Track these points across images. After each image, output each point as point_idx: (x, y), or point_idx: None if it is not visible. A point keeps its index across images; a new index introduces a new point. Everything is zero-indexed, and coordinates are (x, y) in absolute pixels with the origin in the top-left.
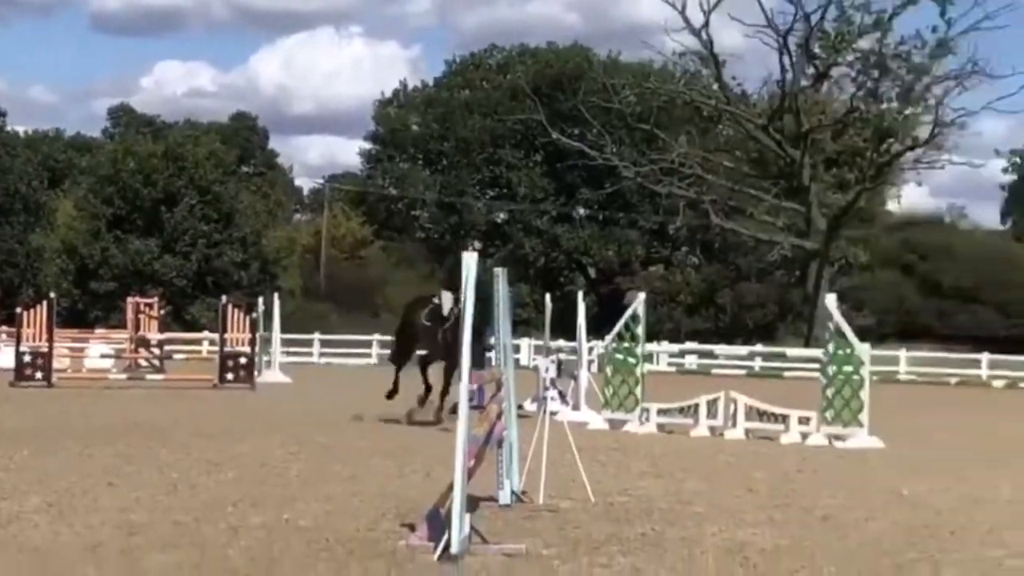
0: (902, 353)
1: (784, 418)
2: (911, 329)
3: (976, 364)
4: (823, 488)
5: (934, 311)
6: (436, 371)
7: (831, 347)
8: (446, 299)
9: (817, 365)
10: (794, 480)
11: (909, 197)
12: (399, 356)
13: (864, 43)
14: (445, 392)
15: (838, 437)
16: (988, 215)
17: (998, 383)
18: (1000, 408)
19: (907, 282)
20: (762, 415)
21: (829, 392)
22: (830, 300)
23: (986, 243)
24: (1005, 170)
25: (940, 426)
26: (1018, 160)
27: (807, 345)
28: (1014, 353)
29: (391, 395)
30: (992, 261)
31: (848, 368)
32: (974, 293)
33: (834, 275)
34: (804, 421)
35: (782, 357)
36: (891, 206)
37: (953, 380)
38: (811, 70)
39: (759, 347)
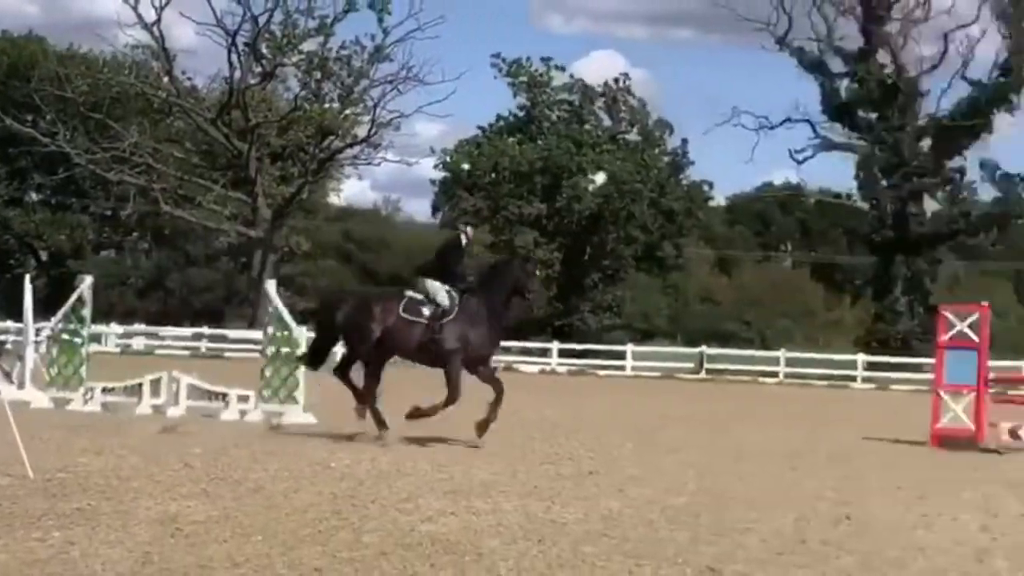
0: None
1: (224, 396)
2: None
3: None
4: (256, 462)
5: None
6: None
7: (271, 329)
8: (438, 291)
9: (258, 346)
10: (230, 455)
11: (351, 191)
12: (346, 364)
13: (308, 46)
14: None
15: (275, 414)
16: (422, 208)
17: None
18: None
19: (346, 270)
20: (204, 394)
21: (268, 371)
22: (270, 285)
23: (419, 235)
24: (436, 166)
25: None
26: (448, 158)
27: (251, 327)
28: None
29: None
30: (424, 251)
31: (286, 349)
32: (408, 281)
33: (278, 262)
34: (243, 399)
35: (225, 339)
36: (332, 199)
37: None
38: (259, 69)
39: (205, 329)
